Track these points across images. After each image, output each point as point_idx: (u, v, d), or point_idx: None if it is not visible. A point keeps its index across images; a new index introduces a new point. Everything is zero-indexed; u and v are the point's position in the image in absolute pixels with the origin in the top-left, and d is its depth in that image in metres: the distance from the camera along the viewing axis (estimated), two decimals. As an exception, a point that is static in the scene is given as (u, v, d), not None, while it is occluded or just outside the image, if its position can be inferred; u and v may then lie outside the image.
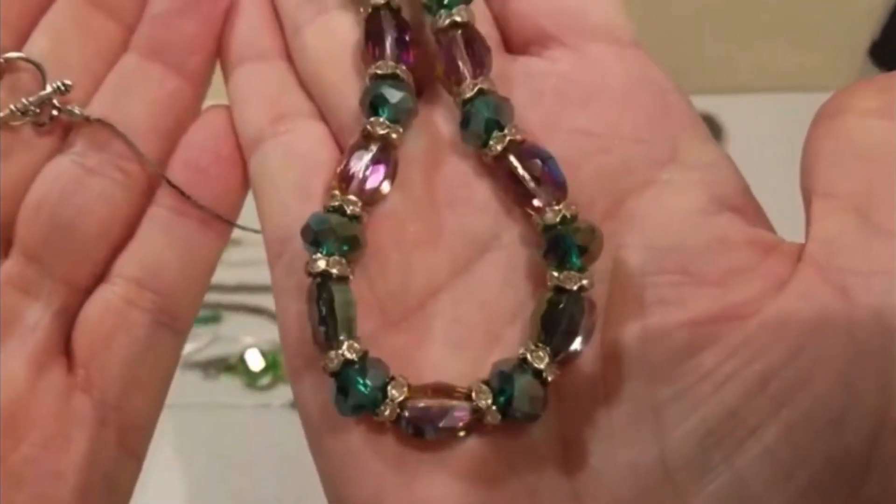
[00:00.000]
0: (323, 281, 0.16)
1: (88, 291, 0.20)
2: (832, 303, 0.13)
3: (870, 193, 0.14)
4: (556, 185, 0.16)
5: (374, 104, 0.17)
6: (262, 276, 0.53)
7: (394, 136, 0.17)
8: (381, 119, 0.17)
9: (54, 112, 0.20)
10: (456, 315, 0.17)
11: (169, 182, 0.20)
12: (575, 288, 0.16)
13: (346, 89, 0.18)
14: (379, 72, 0.17)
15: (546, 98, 0.17)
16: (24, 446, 0.18)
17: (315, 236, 0.16)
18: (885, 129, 0.13)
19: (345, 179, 0.17)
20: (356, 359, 0.16)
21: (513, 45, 0.18)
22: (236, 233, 0.54)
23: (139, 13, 0.20)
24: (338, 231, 0.16)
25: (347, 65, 0.18)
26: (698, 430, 0.14)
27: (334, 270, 0.16)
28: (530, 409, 0.15)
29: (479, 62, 0.17)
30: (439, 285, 0.17)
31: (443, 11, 0.17)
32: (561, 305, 0.16)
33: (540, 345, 0.16)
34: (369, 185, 0.17)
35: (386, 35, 0.17)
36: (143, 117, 0.20)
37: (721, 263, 0.15)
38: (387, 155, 0.17)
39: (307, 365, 0.17)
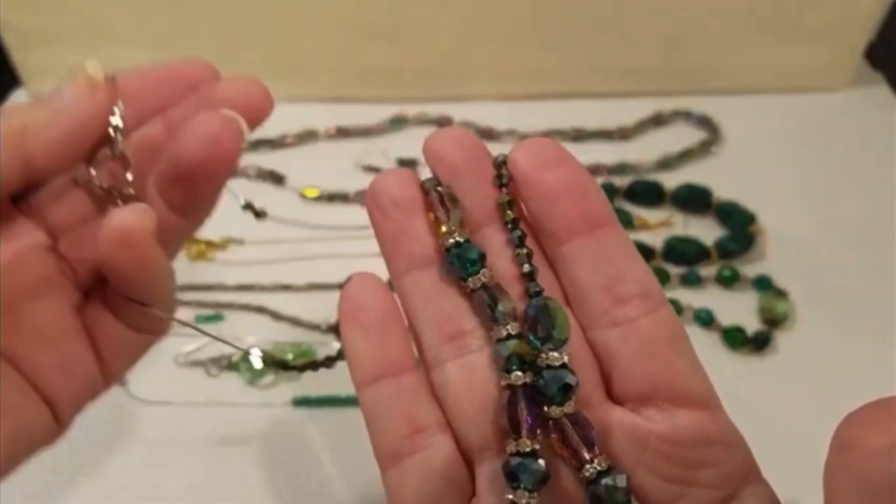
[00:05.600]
0: None
1: None
2: None
3: None
4: None
5: (515, 478, 0.20)
6: (264, 276, 0.53)
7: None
8: (523, 492, 0.20)
9: None
10: None
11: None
12: None
13: (480, 423, 0.21)
14: (519, 450, 0.20)
15: (648, 454, 0.20)
16: None
17: None
18: (892, 474, 0.15)
19: None
20: None
21: (613, 393, 0.21)
22: (239, 233, 0.54)
23: None
24: None
25: (482, 400, 0.21)
26: None
27: None
28: None
29: (591, 444, 0.20)
30: None
31: (555, 407, 0.20)
32: None
33: None
34: None
35: (523, 416, 0.20)
36: None
37: None
38: None
39: None
